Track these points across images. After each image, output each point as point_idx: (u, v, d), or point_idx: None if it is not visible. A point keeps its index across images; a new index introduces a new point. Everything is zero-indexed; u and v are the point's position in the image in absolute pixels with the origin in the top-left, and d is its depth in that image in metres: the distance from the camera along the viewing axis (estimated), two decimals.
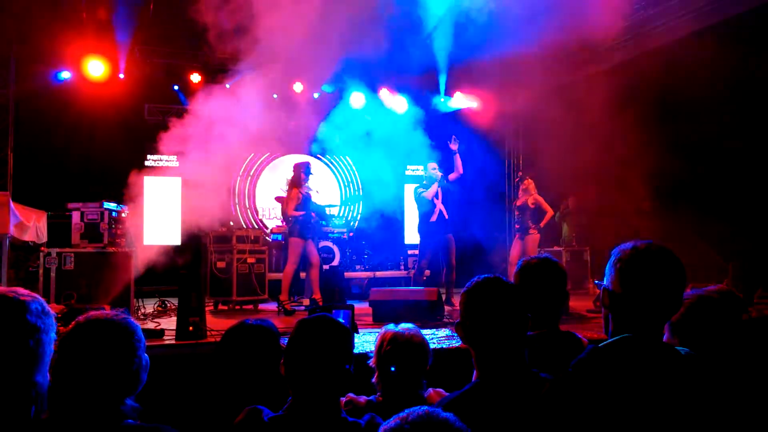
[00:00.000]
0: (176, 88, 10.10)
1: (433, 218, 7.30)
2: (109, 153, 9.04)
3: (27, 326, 1.60)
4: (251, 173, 11.18)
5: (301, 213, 7.07)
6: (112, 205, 6.69)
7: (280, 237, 9.46)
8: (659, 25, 8.17)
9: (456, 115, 11.10)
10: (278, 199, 9.40)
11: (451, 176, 7.53)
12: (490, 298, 1.86)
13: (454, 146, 7.42)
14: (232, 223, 7.95)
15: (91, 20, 8.65)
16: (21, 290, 1.66)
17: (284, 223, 8.10)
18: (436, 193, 7.37)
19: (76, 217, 6.56)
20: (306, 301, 7.42)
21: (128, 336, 1.73)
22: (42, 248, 6.37)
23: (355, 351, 3.86)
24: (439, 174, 7.44)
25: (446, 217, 7.36)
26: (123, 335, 1.72)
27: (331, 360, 1.86)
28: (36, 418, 1.62)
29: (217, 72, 9.47)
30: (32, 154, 9.08)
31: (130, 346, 1.72)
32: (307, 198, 7.16)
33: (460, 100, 11.22)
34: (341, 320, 4.47)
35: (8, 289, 1.65)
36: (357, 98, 10.42)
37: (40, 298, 1.68)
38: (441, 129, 9.90)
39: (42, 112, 9.23)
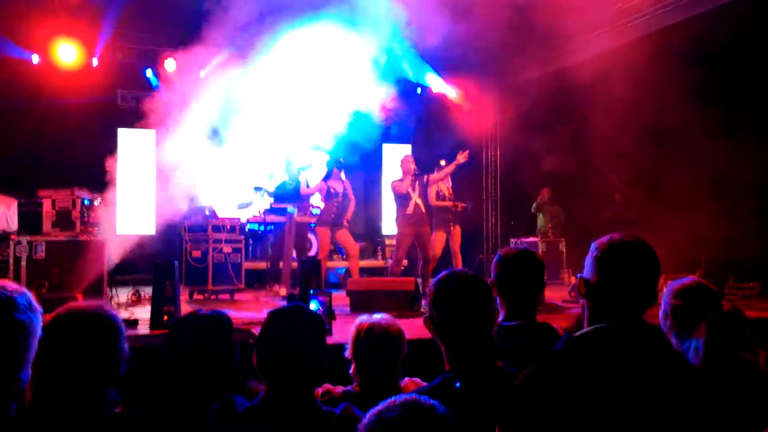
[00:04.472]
0: (148, 74, 9.93)
1: (409, 210, 7.30)
2: (82, 139, 8.87)
3: (13, 323, 1.56)
4: None
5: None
6: (84, 193, 6.57)
7: (256, 226, 9.38)
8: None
9: (434, 102, 11.13)
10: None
11: (433, 176, 7.59)
12: (457, 293, 1.88)
13: (462, 159, 7.38)
14: (207, 212, 7.87)
15: (63, 3, 8.45)
16: (9, 284, 1.61)
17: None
18: (413, 185, 7.36)
19: (47, 204, 6.43)
20: (283, 291, 7.39)
21: (109, 327, 1.71)
22: (12, 236, 6.23)
23: (333, 341, 3.86)
24: (413, 167, 7.40)
25: (423, 210, 7.37)
26: (104, 326, 1.70)
27: (303, 350, 1.85)
28: (17, 416, 1.60)
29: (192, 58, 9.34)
30: (1, 140, 8.87)
31: (111, 338, 1.71)
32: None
33: (439, 86, 11.21)
34: (318, 307, 4.44)
35: None
36: None
37: (28, 292, 1.63)
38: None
39: (11, 96, 9.00)
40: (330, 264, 9.77)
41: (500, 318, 2.41)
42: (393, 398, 1.22)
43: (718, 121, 7.21)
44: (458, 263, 7.89)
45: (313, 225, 8.16)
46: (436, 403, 1.22)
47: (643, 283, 1.62)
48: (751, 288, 6.79)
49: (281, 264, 7.99)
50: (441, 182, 7.84)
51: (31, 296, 1.64)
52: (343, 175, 8.00)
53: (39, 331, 1.64)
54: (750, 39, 7.16)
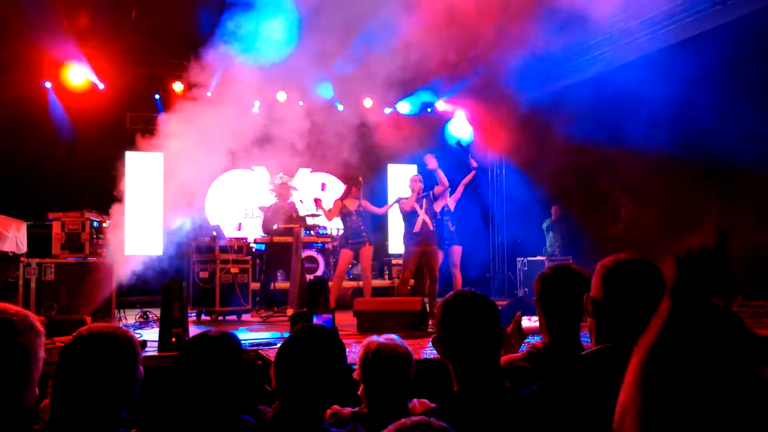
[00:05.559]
0: (157, 97, 10.05)
1: (416, 229, 7.28)
2: (91, 162, 8.95)
3: (14, 347, 1.55)
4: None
5: None
6: (93, 215, 6.61)
7: (264, 247, 9.41)
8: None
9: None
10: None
11: (437, 189, 7.50)
12: (465, 313, 1.87)
13: (431, 165, 7.33)
14: (215, 233, 7.90)
15: (72, 27, 8.59)
16: (10, 307, 1.60)
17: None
18: (421, 204, 7.36)
19: (56, 227, 6.48)
20: (290, 311, 7.38)
21: (128, 348, 1.76)
22: (22, 258, 6.28)
23: None
24: (419, 185, 7.41)
25: (431, 228, 7.33)
26: (123, 348, 1.75)
27: (322, 369, 1.87)
28: None
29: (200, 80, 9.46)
30: (11, 163, 8.97)
31: (129, 359, 1.75)
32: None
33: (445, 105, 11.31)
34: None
35: None
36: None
37: (30, 315, 1.62)
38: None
39: (22, 119, 9.12)
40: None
41: (545, 342, 2.33)
42: (402, 420, 1.22)
43: (722, 139, 7.21)
44: (457, 283, 7.84)
45: (315, 245, 8.13)
46: (446, 425, 1.21)
47: (648, 301, 1.62)
48: (760, 306, 6.74)
49: (272, 286, 8.04)
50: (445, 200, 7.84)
51: (33, 319, 1.62)
52: (360, 194, 7.94)
53: (41, 354, 1.62)
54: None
